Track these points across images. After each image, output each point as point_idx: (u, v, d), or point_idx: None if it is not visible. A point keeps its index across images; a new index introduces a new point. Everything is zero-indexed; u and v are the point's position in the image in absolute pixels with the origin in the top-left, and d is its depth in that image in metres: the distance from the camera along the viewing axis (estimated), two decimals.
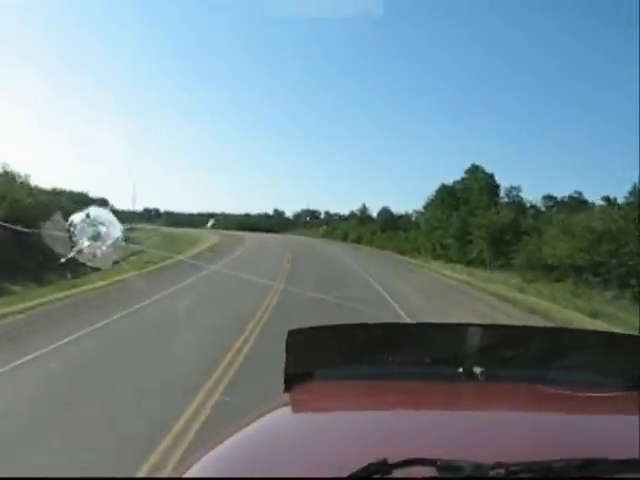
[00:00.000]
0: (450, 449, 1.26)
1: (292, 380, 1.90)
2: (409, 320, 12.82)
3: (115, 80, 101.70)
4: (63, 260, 2.44)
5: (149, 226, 54.97)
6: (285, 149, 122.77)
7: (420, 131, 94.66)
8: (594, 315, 17.61)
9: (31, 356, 9.35)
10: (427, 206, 48.66)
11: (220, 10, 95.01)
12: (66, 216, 2.41)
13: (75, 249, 2.32)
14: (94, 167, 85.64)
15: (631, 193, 32.94)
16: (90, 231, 2.32)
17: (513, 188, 43.96)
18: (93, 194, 37.28)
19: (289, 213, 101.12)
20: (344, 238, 65.97)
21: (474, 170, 44.06)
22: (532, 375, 1.85)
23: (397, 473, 1.10)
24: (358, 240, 61.96)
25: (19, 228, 12.46)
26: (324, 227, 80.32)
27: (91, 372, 8.91)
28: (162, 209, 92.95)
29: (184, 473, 1.31)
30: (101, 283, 18.17)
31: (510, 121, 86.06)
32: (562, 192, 49.22)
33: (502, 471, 1.09)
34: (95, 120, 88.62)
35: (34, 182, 27.78)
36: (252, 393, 6.17)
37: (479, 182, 42.75)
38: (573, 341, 2.08)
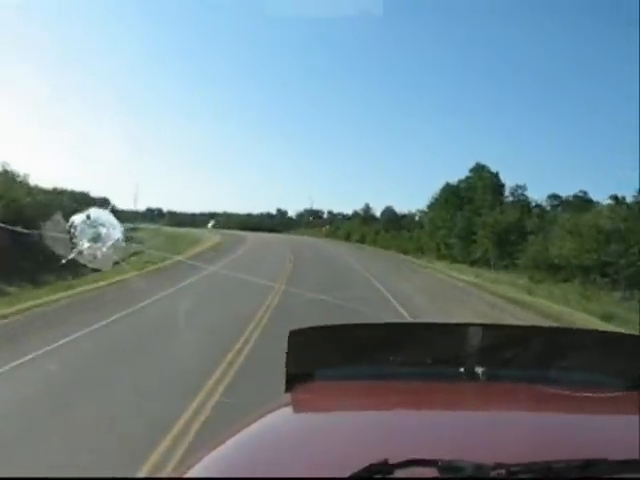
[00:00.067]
0: (451, 449, 1.26)
1: (293, 380, 1.90)
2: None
3: (116, 80, 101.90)
4: (64, 261, 2.45)
5: (151, 226, 55.10)
6: (287, 149, 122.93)
7: (423, 130, 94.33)
8: (607, 318, 16.97)
9: (29, 357, 9.32)
10: (431, 205, 48.34)
11: (221, 10, 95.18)
12: (67, 215, 2.42)
13: (75, 250, 2.33)
14: (96, 167, 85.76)
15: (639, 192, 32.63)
16: (90, 232, 2.33)
17: (518, 187, 43.70)
18: (95, 194, 37.21)
19: (292, 213, 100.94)
20: (347, 238, 65.81)
21: (479, 169, 43.70)
22: (533, 375, 1.85)
23: (398, 473, 1.10)
24: (361, 240, 61.79)
25: (18, 229, 12.45)
26: (327, 227, 80.00)
27: (91, 372, 8.90)
28: (165, 209, 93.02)
29: (185, 473, 1.31)
30: (101, 283, 18.20)
31: (514, 120, 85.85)
32: (567, 191, 49.05)
33: (503, 471, 1.09)
34: (96, 120, 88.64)
35: (34, 182, 27.69)
36: (252, 393, 6.18)
37: (484, 181, 42.44)
38: (574, 341, 2.08)
